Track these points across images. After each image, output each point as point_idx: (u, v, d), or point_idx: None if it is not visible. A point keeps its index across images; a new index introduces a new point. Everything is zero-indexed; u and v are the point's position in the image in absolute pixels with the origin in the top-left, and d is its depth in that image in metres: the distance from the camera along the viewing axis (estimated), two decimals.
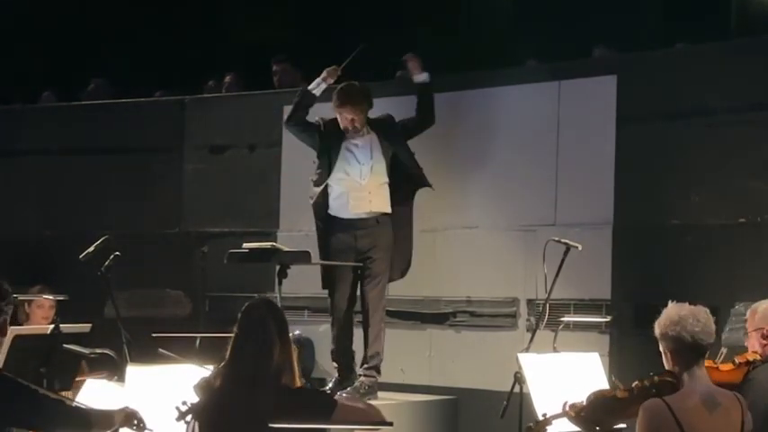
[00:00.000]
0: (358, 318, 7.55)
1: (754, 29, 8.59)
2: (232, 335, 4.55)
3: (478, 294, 8.47)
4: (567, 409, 4.89)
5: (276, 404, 4.31)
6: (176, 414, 4.53)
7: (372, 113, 7.53)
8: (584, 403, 4.88)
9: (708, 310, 4.71)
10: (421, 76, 7.62)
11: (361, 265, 7.31)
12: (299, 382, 4.53)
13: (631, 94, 8.05)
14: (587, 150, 8.18)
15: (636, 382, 4.73)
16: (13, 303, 4.62)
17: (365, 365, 7.21)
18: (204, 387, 4.55)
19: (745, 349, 5.75)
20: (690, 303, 4.71)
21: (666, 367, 4.70)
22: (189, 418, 4.51)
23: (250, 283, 8.68)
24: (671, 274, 7.63)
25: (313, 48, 10.91)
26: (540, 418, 5.07)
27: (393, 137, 7.43)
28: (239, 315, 4.56)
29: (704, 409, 4.57)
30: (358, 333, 7.53)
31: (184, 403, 4.54)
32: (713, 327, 4.67)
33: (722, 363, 5.59)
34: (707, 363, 5.34)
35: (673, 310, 4.68)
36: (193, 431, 4.48)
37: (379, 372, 7.24)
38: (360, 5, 11.07)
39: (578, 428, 4.91)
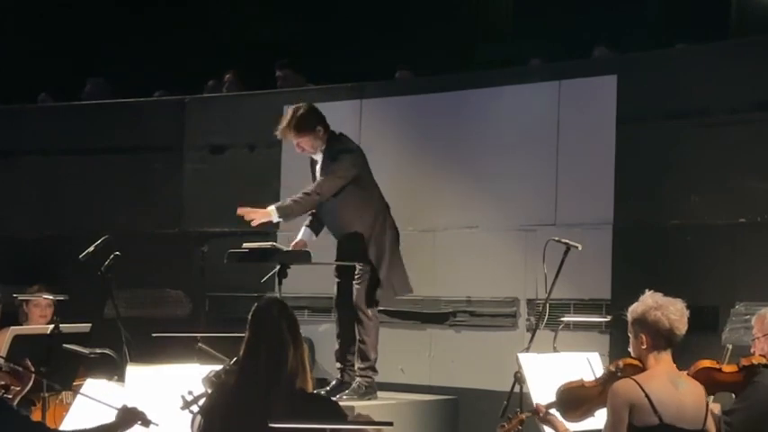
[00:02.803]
0: None
1: (753, 29, 8.60)
2: (244, 335, 4.48)
3: (478, 294, 8.48)
4: (536, 407, 5.08)
5: (290, 408, 4.28)
6: (181, 403, 4.52)
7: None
8: (554, 399, 4.98)
9: (684, 304, 4.91)
10: (275, 218, 7.04)
11: (355, 264, 7.28)
12: (311, 384, 4.51)
13: (631, 94, 8.05)
14: (587, 150, 8.18)
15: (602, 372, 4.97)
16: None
17: (359, 366, 7.20)
18: (214, 382, 4.52)
19: (748, 351, 5.76)
20: (683, 301, 4.89)
21: (633, 353, 4.92)
22: (195, 410, 4.48)
23: (250, 283, 8.68)
24: (671, 274, 7.62)
25: (313, 47, 10.93)
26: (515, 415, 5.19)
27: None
28: (250, 316, 4.48)
29: (671, 385, 4.77)
30: None
31: (190, 393, 4.52)
32: (686, 321, 4.86)
33: (726, 364, 5.59)
34: (709, 363, 5.40)
35: (651, 297, 4.93)
36: (199, 427, 4.46)
37: (374, 370, 7.22)
38: (360, 5, 11.07)
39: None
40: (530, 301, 8.21)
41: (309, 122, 7.03)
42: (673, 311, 4.83)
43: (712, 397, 5.52)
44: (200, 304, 9.44)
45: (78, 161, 10.22)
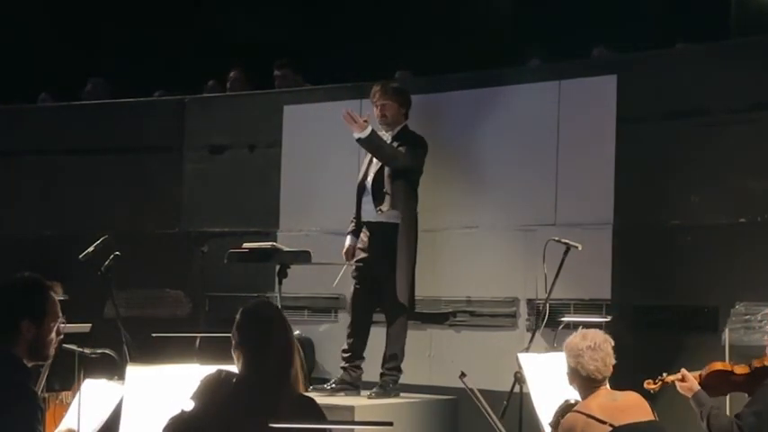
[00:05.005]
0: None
1: (753, 29, 8.59)
2: (236, 339, 4.39)
3: (478, 294, 8.47)
4: None
5: (292, 412, 4.21)
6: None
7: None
8: None
9: (610, 342, 5.05)
10: (355, 134, 7.36)
11: (361, 265, 7.31)
12: (303, 387, 4.47)
13: (631, 94, 8.05)
14: (587, 150, 8.17)
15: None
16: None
17: (386, 365, 7.30)
18: (201, 391, 4.42)
19: (749, 351, 5.77)
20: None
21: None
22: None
23: (250, 283, 8.68)
24: (671, 274, 7.62)
25: (313, 47, 10.92)
26: None
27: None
28: (245, 321, 4.30)
29: (607, 399, 4.96)
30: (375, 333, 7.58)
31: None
32: (610, 360, 5.01)
33: (738, 366, 5.60)
34: (721, 365, 5.49)
35: (575, 340, 5.07)
36: None
37: (400, 370, 7.35)
38: (360, 5, 11.07)
39: None
40: (530, 301, 8.20)
41: (404, 95, 7.55)
42: (588, 360, 4.97)
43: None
44: (200, 304, 9.43)
45: (78, 161, 10.22)
